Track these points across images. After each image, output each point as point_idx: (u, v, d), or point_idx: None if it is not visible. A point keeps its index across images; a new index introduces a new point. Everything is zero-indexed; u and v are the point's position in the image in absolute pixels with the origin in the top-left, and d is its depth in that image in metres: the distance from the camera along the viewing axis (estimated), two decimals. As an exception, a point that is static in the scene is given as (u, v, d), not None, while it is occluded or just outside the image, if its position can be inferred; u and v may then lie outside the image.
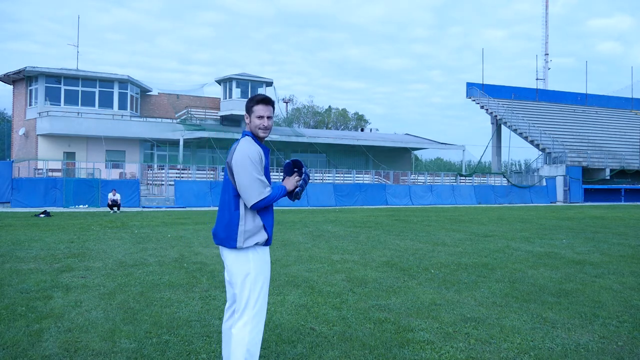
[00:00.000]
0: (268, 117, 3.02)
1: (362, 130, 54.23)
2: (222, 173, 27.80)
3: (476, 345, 3.98)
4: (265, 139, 3.09)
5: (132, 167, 29.57)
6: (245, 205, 2.96)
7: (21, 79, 31.54)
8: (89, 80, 31.94)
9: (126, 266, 7.26)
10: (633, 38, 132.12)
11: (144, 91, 36.07)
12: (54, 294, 5.46)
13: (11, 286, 5.85)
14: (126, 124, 31.49)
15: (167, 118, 34.95)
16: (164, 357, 3.67)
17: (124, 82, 32.86)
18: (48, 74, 30.81)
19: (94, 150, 30.98)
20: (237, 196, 2.97)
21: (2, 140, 40.45)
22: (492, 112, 45.45)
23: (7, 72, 31.05)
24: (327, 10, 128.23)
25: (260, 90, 35.95)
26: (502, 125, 44.96)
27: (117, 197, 20.53)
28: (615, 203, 36.35)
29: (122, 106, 32.83)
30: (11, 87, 33.31)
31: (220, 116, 36.64)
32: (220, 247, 3.09)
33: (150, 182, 28.63)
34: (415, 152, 45.93)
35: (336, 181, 31.12)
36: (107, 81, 32.37)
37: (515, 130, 42.75)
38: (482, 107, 46.46)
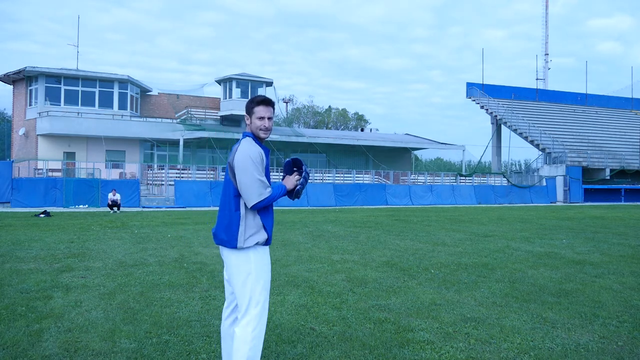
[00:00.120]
0: (269, 118, 3.06)
1: (362, 130, 54.24)
2: (222, 173, 27.81)
3: (476, 345, 3.98)
4: (265, 139, 3.13)
5: (132, 167, 29.57)
6: (245, 205, 2.99)
7: (21, 79, 31.55)
8: (89, 80, 31.95)
9: (126, 266, 7.26)
10: (633, 38, 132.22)
11: (144, 91, 36.08)
12: (54, 294, 5.47)
13: (11, 286, 5.85)
14: (126, 124, 31.49)
15: (167, 118, 34.95)
16: (164, 357, 3.67)
17: (124, 82, 32.86)
18: (48, 74, 30.81)
19: (94, 150, 30.98)
20: (238, 196, 3.00)
21: (2, 140, 40.46)
22: (492, 112, 45.45)
23: (7, 72, 31.05)
24: (327, 10, 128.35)
25: (260, 90, 35.95)
26: (502, 125, 44.96)
27: (117, 197, 20.53)
28: (615, 203, 36.35)
29: (122, 106, 32.83)
30: (11, 87, 33.32)
31: (220, 116, 36.65)
32: (220, 247, 3.11)
33: (150, 182, 28.63)
34: (415, 152, 45.93)
35: (336, 181, 31.13)
36: (107, 81, 32.37)
37: (515, 130, 42.76)
38: (482, 107, 46.46)
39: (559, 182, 37.29)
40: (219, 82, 36.08)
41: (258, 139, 3.07)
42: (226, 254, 3.05)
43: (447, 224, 15.58)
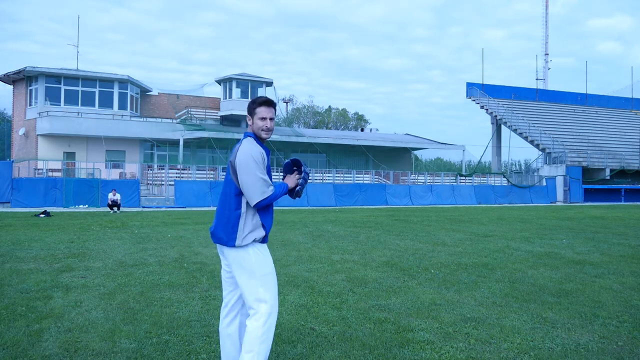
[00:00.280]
0: (270, 119, 3.10)
1: (362, 130, 54.23)
2: (222, 173, 27.81)
3: (476, 345, 3.98)
4: (267, 139, 3.15)
5: (132, 167, 29.57)
6: (246, 204, 3.01)
7: (21, 79, 31.54)
8: (89, 80, 31.95)
9: (126, 266, 7.26)
10: (633, 38, 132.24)
11: (144, 91, 36.07)
12: (54, 294, 5.47)
13: (11, 286, 5.85)
14: (126, 124, 31.49)
15: (167, 118, 34.94)
16: (164, 357, 3.67)
17: (124, 82, 32.86)
18: (48, 74, 30.81)
19: (94, 150, 30.98)
20: (238, 195, 3.01)
21: (2, 140, 40.45)
22: (492, 112, 45.45)
23: (7, 72, 31.05)
24: (327, 10, 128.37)
25: (260, 90, 35.96)
26: (502, 125, 44.96)
27: (117, 197, 20.53)
28: (615, 203, 36.35)
29: (122, 106, 32.83)
30: (11, 87, 33.32)
31: (220, 116, 36.65)
32: (218, 245, 3.13)
33: (150, 182, 28.63)
34: (415, 152, 45.93)
35: (336, 181, 31.13)
36: (107, 81, 32.37)
37: (515, 130, 42.75)
38: (482, 107, 46.46)
39: (559, 182, 37.29)
40: (219, 82, 36.08)
41: (259, 140, 3.10)
42: (226, 252, 3.07)
43: (447, 224, 15.58)
